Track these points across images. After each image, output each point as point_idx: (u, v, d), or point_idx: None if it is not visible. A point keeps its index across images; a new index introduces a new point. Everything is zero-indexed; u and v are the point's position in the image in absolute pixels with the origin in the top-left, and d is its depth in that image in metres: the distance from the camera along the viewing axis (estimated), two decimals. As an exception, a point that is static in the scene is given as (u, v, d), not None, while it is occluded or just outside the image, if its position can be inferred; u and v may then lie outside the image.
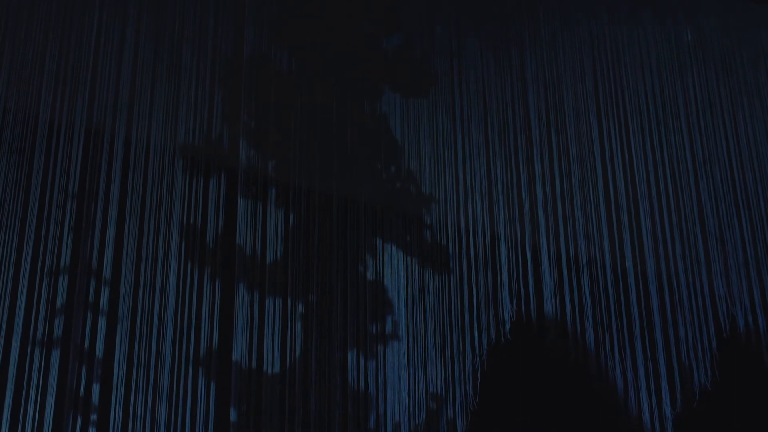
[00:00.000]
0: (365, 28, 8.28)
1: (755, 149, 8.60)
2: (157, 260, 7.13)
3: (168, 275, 7.12)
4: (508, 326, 7.55)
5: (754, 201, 8.40)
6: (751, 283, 8.09)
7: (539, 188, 8.03)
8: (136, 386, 6.79)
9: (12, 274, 6.79)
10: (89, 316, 6.90)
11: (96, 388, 6.77)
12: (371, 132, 7.98)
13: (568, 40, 8.58)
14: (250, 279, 7.27)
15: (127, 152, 7.36)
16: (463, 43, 8.34)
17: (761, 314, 8.03)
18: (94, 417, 6.71)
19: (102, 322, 6.91)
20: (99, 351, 6.84)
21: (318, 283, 7.39)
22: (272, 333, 7.17)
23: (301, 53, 8.04)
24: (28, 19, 7.49)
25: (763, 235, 8.31)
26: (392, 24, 8.34)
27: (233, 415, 6.96)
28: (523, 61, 8.43)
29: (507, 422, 7.49)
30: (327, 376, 7.16)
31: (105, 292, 6.99)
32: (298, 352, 7.18)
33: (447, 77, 8.22)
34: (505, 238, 7.83)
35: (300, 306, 7.31)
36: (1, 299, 6.71)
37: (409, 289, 7.56)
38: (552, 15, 8.64)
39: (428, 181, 7.90)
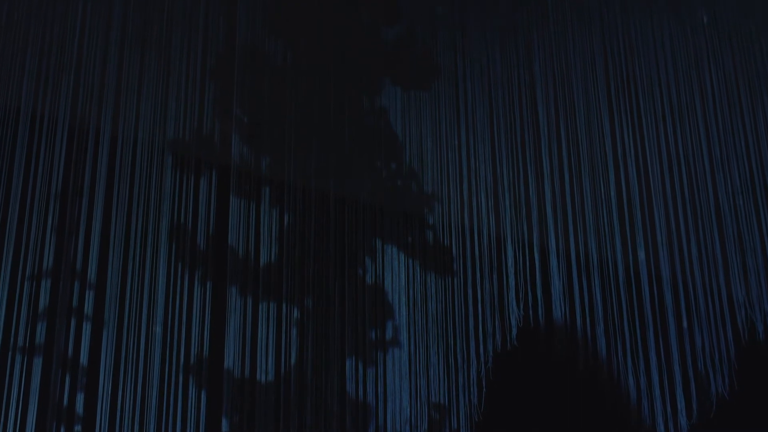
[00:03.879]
0: (364, 17, 8.22)
1: (776, 144, 8.58)
2: (144, 262, 7.10)
3: (156, 278, 7.09)
4: (514, 332, 7.52)
5: (775, 199, 8.38)
6: (771, 287, 8.07)
7: (548, 186, 7.97)
8: (122, 395, 6.76)
9: (-8, 277, 6.75)
10: (73, 321, 6.87)
11: (80, 398, 6.75)
12: (370, 127, 7.92)
13: (578, 29, 8.52)
14: (243, 282, 7.23)
15: (113, 148, 7.31)
16: (467, 34, 8.28)
17: (781, 319, 7.99)
18: (78, 428, 6.69)
19: (87, 328, 6.89)
20: (83, 358, 6.82)
21: (314, 287, 7.35)
22: (266, 339, 7.14)
23: (297, 44, 7.97)
24: (9, 7, 7.44)
25: (783, 236, 8.28)
26: (392, 13, 8.27)
27: (225, 426, 6.93)
28: (531, 52, 8.35)
29: (513, 434, 7.50)
30: (324, 384, 7.13)
31: (90, 296, 6.97)
32: (293, 360, 7.15)
33: (450, 69, 8.15)
34: (511, 239, 7.78)
35: (295, 311, 7.27)
36: (-19, 304, 6.67)
37: (411, 293, 7.53)
38: (561, 2, 8.59)
39: (430, 179, 7.86)
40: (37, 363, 6.69)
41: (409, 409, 7.22)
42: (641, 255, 7.69)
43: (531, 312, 7.59)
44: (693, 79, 8.58)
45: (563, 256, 7.82)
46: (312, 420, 7.01)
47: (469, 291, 7.59)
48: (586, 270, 7.82)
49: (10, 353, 6.66)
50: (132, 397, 6.77)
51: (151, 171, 7.34)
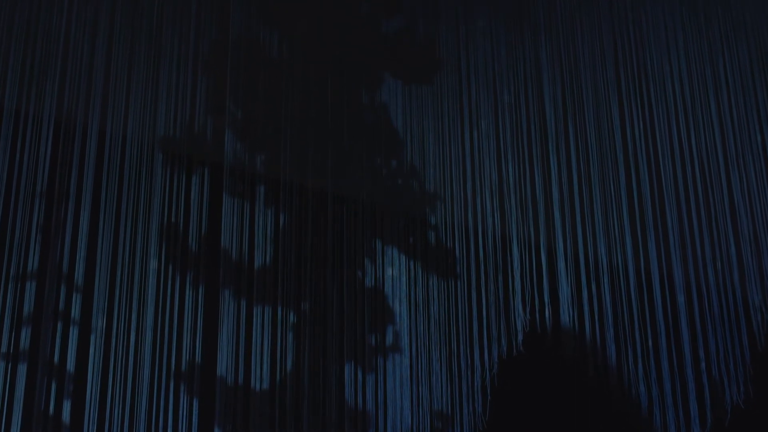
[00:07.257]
0: (364, 8, 8.21)
1: (793, 141, 8.57)
2: (134, 264, 7.07)
3: (146, 281, 7.07)
4: (520, 337, 7.50)
5: (791, 198, 8.37)
6: (788, 290, 8.06)
7: (555, 185, 7.96)
8: (111, 403, 6.74)
9: (-26, 279, 6.74)
10: (59, 326, 6.85)
11: (67, 406, 6.73)
12: (370, 123, 7.91)
13: (586, 21, 8.51)
14: (237, 285, 7.22)
15: (101, 145, 7.28)
16: (471, 25, 8.26)
17: (799, 324, 7.98)
18: (64, 437, 6.67)
19: (73, 333, 6.86)
20: (70, 365, 6.80)
21: (311, 290, 7.34)
22: (261, 345, 7.12)
23: (293, 36, 7.95)
24: (-8, -1, 7.45)
25: (801, 237, 8.27)
26: (393, 4, 8.25)
27: (218, 435, 6.92)
28: (538, 44, 8.34)
29: (519, 443, 7.50)
30: (321, 392, 7.11)
31: (77, 300, 6.94)
32: (289, 366, 7.13)
33: (453, 62, 8.14)
34: (517, 240, 7.76)
35: (291, 315, 7.25)
36: (-37, 308, 6.65)
37: (412, 297, 7.52)
38: (569, -8, 8.61)
39: (433, 177, 7.85)
40: (22, 369, 6.66)
41: (410, 418, 7.21)
42: None
43: (538, 316, 7.58)
44: (707, 71, 8.58)
45: (571, 258, 7.81)
46: (309, 429, 6.99)
47: (473, 294, 7.58)
48: (595, 273, 7.82)
49: (-7, 359, 6.66)
50: (121, 405, 6.74)
51: (140, 169, 7.32)
